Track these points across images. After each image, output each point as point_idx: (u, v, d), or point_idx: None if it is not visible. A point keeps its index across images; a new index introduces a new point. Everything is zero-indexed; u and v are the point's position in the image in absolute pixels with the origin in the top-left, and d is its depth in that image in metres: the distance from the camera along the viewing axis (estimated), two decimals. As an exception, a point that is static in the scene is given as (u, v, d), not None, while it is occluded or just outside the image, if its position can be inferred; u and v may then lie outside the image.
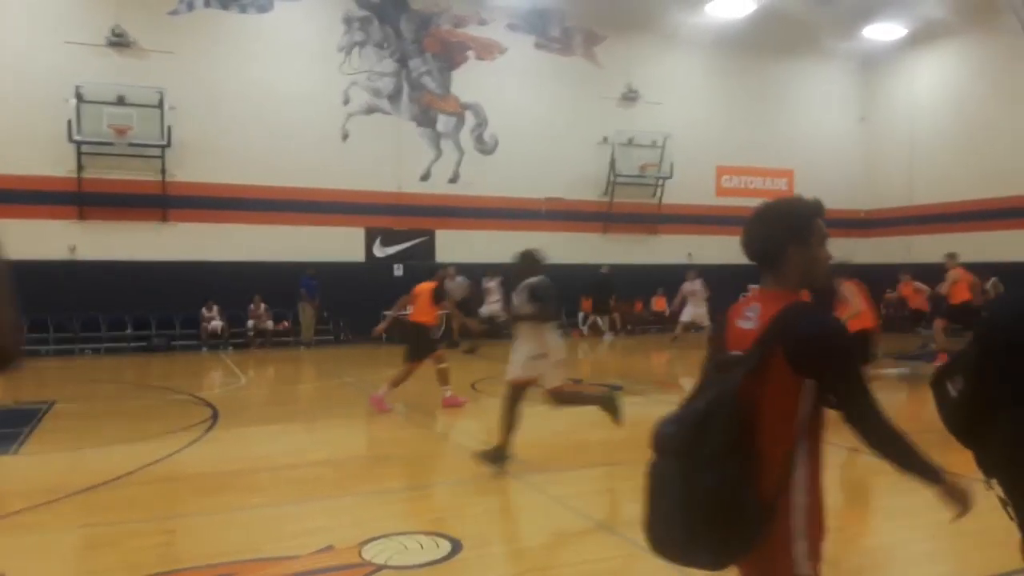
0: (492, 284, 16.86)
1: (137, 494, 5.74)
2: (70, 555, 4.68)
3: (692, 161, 21.11)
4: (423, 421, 8.93)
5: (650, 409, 9.75)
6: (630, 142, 20.56)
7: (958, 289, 12.85)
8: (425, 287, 9.76)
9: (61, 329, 15.56)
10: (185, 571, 4.18)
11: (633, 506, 5.76)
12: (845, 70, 23.75)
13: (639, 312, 20.97)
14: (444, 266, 15.20)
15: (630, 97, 20.97)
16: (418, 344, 9.38)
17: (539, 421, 8.60)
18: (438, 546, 4.48)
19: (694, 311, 16.95)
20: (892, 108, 23.29)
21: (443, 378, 9.61)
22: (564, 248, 19.86)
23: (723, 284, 21.10)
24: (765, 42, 21.72)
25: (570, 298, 19.72)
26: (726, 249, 21.52)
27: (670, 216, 21.29)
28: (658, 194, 21.18)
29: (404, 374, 9.29)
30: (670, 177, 20.80)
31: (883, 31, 21.96)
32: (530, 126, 19.68)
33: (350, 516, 5.19)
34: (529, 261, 6.57)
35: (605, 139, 20.50)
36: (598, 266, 19.70)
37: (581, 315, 20.14)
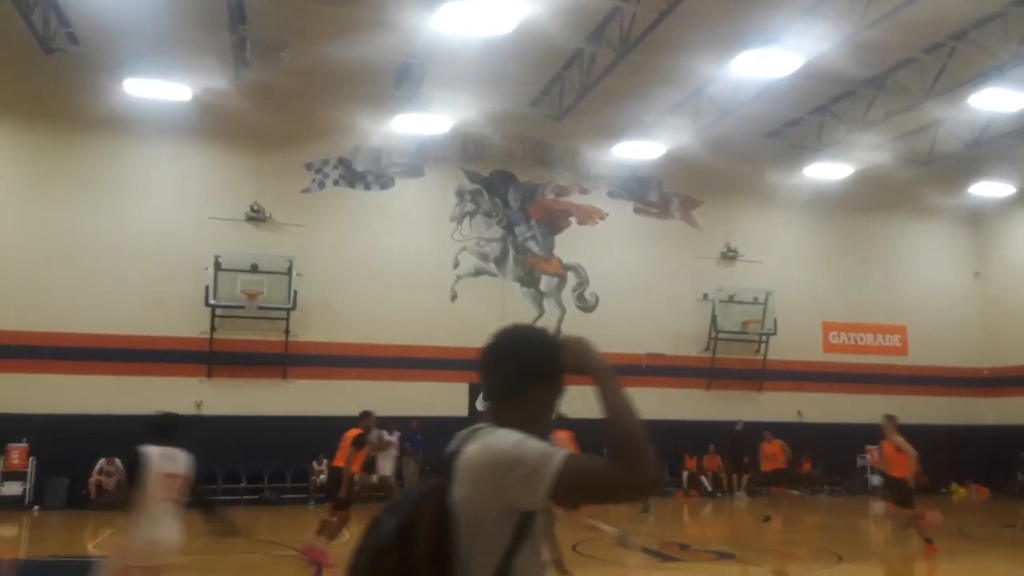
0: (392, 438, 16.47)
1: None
2: None
3: (796, 318, 20.88)
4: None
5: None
6: (731, 299, 20.62)
7: (898, 460, 10.48)
8: (350, 433, 9.63)
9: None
10: None
11: None
12: (953, 226, 23.40)
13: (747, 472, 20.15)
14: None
15: (729, 256, 21.26)
16: (337, 490, 9.23)
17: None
18: None
19: None
20: (1009, 263, 22.60)
21: (325, 530, 9.25)
22: (667, 404, 19.66)
23: (838, 443, 20.21)
24: (866, 201, 21.83)
25: (672, 455, 19.26)
26: (836, 406, 20.79)
27: (775, 372, 20.85)
28: (762, 350, 20.89)
29: (337, 524, 9.15)
30: (774, 334, 20.57)
31: (990, 189, 21.73)
32: (630, 285, 20.14)
33: None
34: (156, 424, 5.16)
35: (705, 296, 20.66)
36: (702, 423, 19.34)
37: (686, 474, 19.56)
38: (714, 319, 20.48)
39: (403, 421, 17.30)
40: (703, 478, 19.52)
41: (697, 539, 12.56)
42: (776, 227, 21.86)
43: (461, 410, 18.54)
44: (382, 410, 17.43)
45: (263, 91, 17.16)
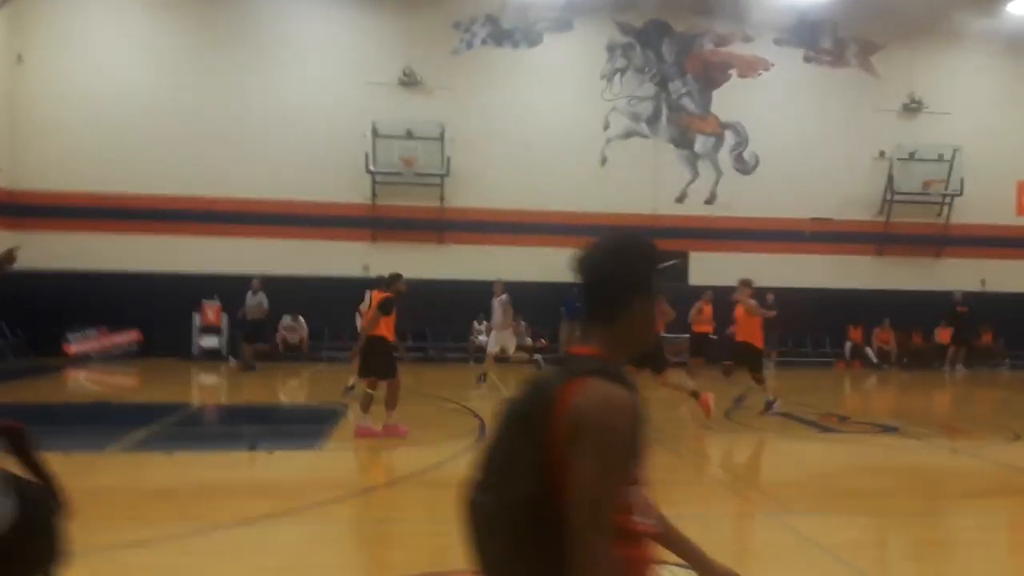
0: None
1: (414, 496, 6.40)
2: (355, 546, 5.38)
3: (987, 177, 18.79)
4: (667, 443, 8.91)
5: (929, 456, 8.92)
6: (911, 156, 18.81)
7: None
8: (376, 296, 8.82)
9: (354, 338, 17.62)
10: (455, 573, 4.61)
11: (909, 564, 5.31)
12: None
13: (918, 344, 19.03)
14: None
15: (912, 108, 19.20)
16: (383, 360, 8.53)
17: (801, 460, 8.22)
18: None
19: (498, 336, 13.67)
20: None
21: (388, 403, 8.62)
22: (832, 272, 18.67)
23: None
24: (1085, 37, 18.77)
25: (836, 324, 18.46)
26: (1028, 276, 18.92)
27: (959, 238, 19.11)
28: (944, 213, 19.12)
29: (391, 395, 8.59)
30: (959, 194, 18.71)
31: None
32: (795, 143, 18.78)
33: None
34: None
35: (882, 154, 18.97)
36: (870, 292, 18.29)
37: (848, 344, 18.77)
38: (891, 179, 18.84)
39: (557, 287, 17.47)
40: (868, 350, 18.66)
41: (858, 411, 12.11)
42: (967, 74, 19.37)
43: (612, 275, 18.48)
44: (538, 276, 17.78)
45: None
